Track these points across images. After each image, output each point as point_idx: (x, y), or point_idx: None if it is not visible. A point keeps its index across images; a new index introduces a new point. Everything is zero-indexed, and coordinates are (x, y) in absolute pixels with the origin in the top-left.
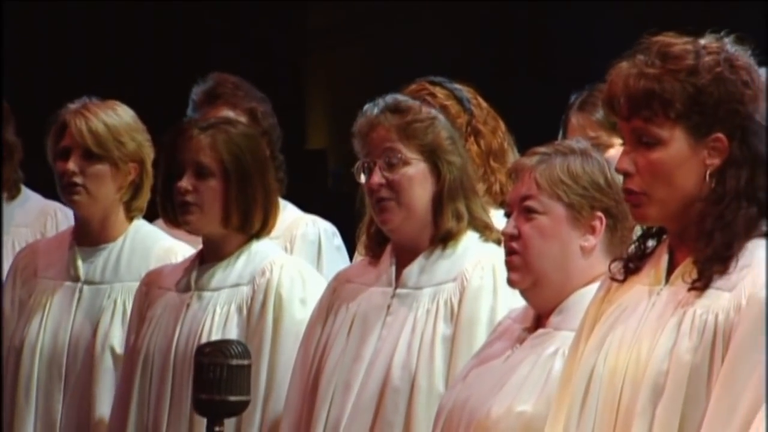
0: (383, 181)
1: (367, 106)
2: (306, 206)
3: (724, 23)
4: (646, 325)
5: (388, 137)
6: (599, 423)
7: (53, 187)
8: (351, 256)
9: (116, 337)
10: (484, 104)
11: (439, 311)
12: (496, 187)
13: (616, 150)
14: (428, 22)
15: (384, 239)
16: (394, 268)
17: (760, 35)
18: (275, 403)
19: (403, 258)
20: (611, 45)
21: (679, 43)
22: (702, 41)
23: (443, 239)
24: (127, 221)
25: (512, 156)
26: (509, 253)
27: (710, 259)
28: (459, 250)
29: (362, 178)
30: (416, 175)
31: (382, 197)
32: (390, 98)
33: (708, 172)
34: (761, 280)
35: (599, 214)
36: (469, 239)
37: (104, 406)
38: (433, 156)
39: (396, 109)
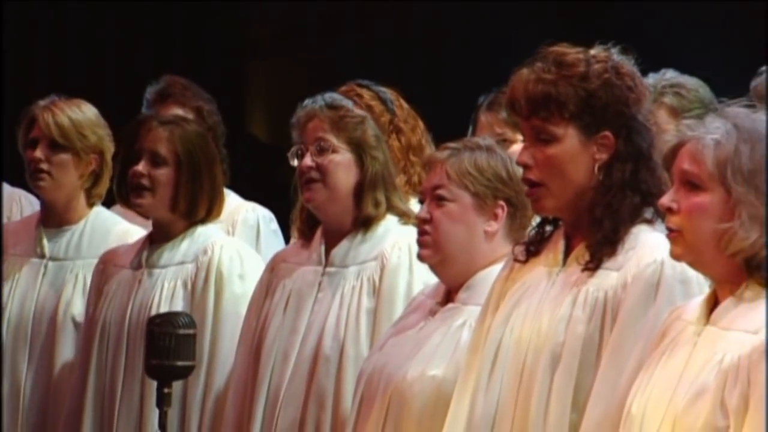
0: (313, 164)
1: (306, 101)
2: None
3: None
4: (546, 301)
5: (321, 127)
6: (505, 387)
7: (19, 176)
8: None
9: (77, 307)
10: (405, 105)
11: (363, 287)
12: (415, 179)
13: (518, 145)
14: (361, 32)
15: (315, 223)
16: (323, 249)
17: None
18: (217, 367)
19: (331, 240)
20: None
21: (572, 52)
22: (592, 51)
23: (364, 223)
24: (87, 206)
25: (429, 151)
26: (421, 234)
27: (600, 243)
28: (379, 232)
29: (295, 162)
30: (342, 162)
31: (311, 178)
32: (328, 95)
33: (597, 166)
34: (645, 261)
35: (501, 202)
36: (389, 223)
37: (65, 369)
38: (359, 149)
39: (331, 105)
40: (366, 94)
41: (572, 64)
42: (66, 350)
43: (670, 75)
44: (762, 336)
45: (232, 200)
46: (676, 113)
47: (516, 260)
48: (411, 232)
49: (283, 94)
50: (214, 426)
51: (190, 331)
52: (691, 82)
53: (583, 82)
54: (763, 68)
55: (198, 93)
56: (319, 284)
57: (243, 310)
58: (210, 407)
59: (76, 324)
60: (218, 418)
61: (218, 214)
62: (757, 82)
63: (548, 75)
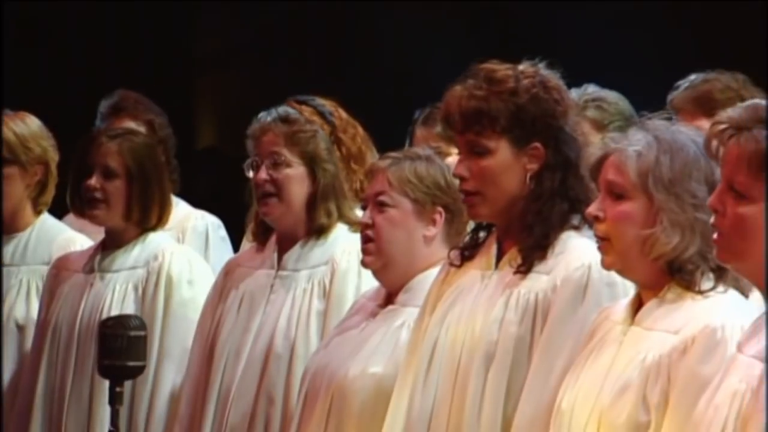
0: (268, 177)
1: (261, 114)
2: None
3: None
4: (480, 303)
5: (275, 142)
6: (442, 384)
7: None
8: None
9: (20, 311)
10: (344, 115)
11: (314, 290)
12: (357, 186)
13: (452, 158)
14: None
15: (268, 229)
16: (276, 254)
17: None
18: (166, 367)
19: (284, 245)
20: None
21: (501, 69)
22: (520, 67)
23: (317, 231)
24: (34, 214)
25: (371, 156)
26: (364, 240)
27: (531, 247)
28: (330, 239)
29: (250, 173)
30: (296, 176)
31: (266, 192)
32: (282, 109)
33: (528, 175)
34: (573, 265)
35: (440, 209)
36: (339, 230)
37: (9, 371)
38: (311, 162)
39: (285, 119)
40: (305, 109)
41: (502, 80)
42: (9, 352)
43: (591, 89)
44: (683, 335)
45: (182, 208)
46: (599, 125)
47: (451, 264)
48: (359, 239)
49: (228, 108)
50: (165, 423)
51: (141, 333)
52: (611, 95)
53: (513, 97)
54: (680, 82)
55: (149, 106)
56: (272, 287)
57: (191, 313)
58: (158, 405)
59: (19, 327)
60: (169, 415)
61: (167, 221)
62: (674, 96)
63: (480, 91)
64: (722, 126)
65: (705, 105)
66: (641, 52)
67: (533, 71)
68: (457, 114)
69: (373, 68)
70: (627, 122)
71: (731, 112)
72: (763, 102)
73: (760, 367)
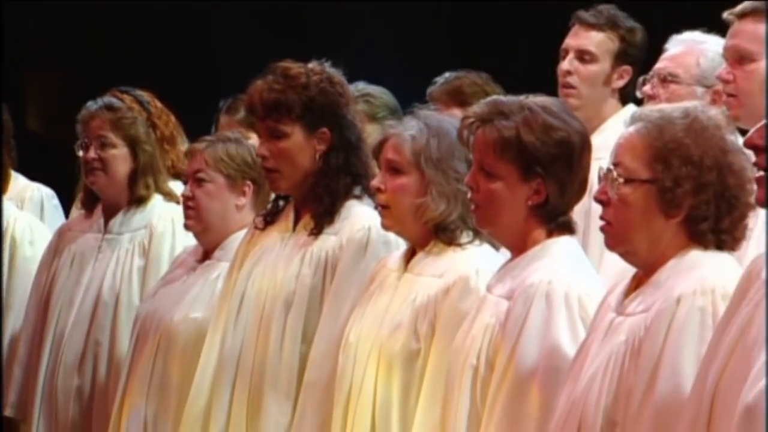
0: (96, 156)
1: (90, 102)
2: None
3: None
4: (280, 260)
5: (102, 126)
6: (249, 327)
7: None
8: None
9: None
10: (159, 104)
11: (135, 250)
12: (169, 163)
13: (253, 140)
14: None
15: (96, 198)
16: (102, 220)
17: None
18: (10, 315)
19: (109, 213)
20: None
21: (295, 67)
22: (310, 65)
23: (137, 201)
24: None
25: (180, 140)
26: (186, 209)
27: (321, 214)
28: (148, 207)
29: (80, 153)
30: (120, 155)
31: (94, 167)
32: (107, 99)
33: (318, 155)
34: (356, 227)
35: (248, 182)
36: (156, 200)
37: None
38: (132, 143)
39: (110, 107)
40: (126, 98)
41: (296, 76)
42: None
43: (360, 86)
44: (446, 279)
45: (20, 181)
46: (369, 117)
47: (256, 228)
48: (174, 207)
49: (55, 97)
50: (6, 362)
51: None
52: (377, 90)
53: (305, 90)
54: (436, 79)
55: None
56: (99, 247)
57: (32, 269)
58: (4, 347)
59: None
60: (10, 356)
61: (5, 191)
62: (432, 89)
63: (278, 85)
64: (470, 119)
65: (457, 97)
66: (406, 53)
67: (321, 69)
68: (259, 104)
69: (183, 63)
70: (391, 113)
71: (477, 108)
72: (502, 97)
73: (506, 304)
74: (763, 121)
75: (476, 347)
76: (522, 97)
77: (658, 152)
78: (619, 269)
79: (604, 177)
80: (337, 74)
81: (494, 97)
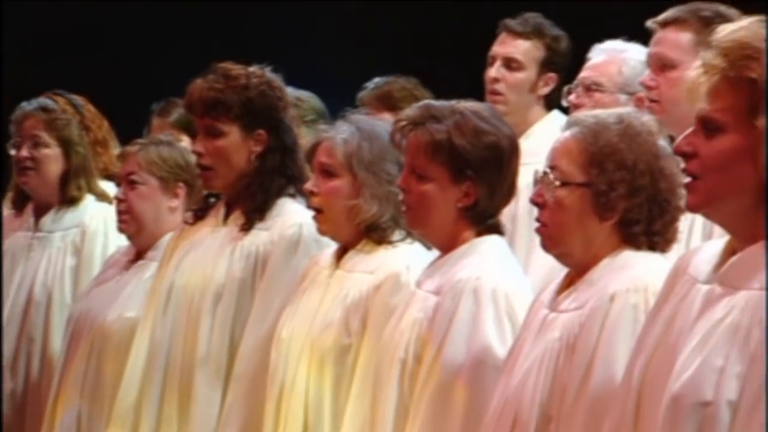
0: (29, 155)
1: (24, 103)
2: None
3: None
4: (210, 253)
5: (36, 126)
6: (178, 319)
7: None
8: None
9: None
10: (92, 109)
11: (68, 248)
12: (101, 166)
13: (185, 143)
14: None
15: (27, 197)
16: (33, 219)
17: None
18: None
19: (41, 211)
20: None
21: (236, 68)
22: (251, 68)
23: (69, 201)
24: None
25: (112, 143)
26: (119, 211)
27: (253, 210)
28: (80, 207)
29: (13, 151)
30: (52, 155)
31: (26, 166)
32: (42, 100)
33: (254, 156)
34: (288, 224)
35: (181, 184)
36: (88, 200)
37: None
38: (65, 144)
39: (44, 109)
40: (60, 100)
41: (236, 77)
42: None
43: (289, 90)
44: (377, 276)
45: None
46: (297, 121)
47: (186, 223)
48: (106, 208)
49: None
50: None
51: None
52: (305, 95)
53: (245, 92)
54: (367, 84)
55: None
56: (30, 246)
57: None
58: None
59: None
60: None
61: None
62: (362, 95)
63: (218, 85)
64: (403, 123)
65: (387, 102)
66: (337, 58)
67: (261, 72)
68: (198, 102)
69: (115, 67)
70: (319, 116)
71: (409, 111)
72: (434, 102)
73: (434, 300)
74: (691, 128)
75: (404, 341)
76: (453, 102)
77: (593, 156)
78: (545, 272)
79: (540, 180)
80: (276, 78)
81: (426, 101)
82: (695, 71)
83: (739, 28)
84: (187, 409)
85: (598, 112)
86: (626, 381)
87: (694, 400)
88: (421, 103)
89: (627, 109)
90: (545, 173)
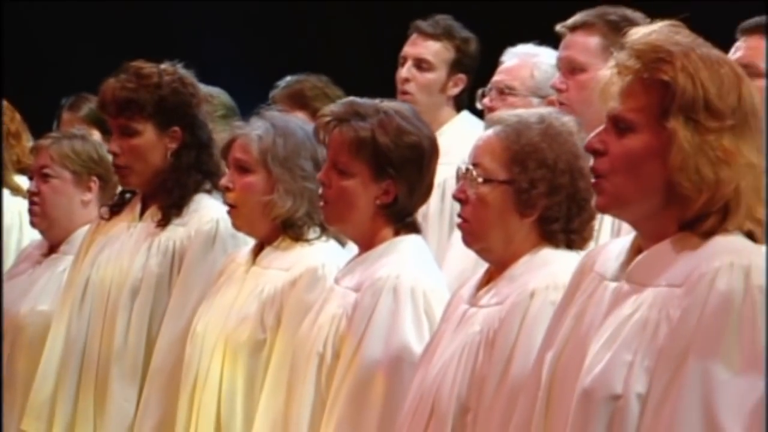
0: None
1: None
2: None
3: None
4: (127, 248)
5: None
6: (94, 313)
7: None
8: None
9: None
10: (4, 101)
11: None
12: (14, 159)
13: (96, 137)
14: None
15: None
16: None
17: None
18: None
19: None
20: None
21: (147, 66)
22: (162, 66)
23: None
24: None
25: (25, 137)
26: (31, 204)
27: (170, 206)
28: None
29: None
30: None
31: None
32: None
33: (169, 152)
34: (205, 219)
35: (94, 178)
36: (3, 194)
37: None
38: None
39: None
40: None
41: (148, 76)
42: None
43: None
44: (292, 272)
45: None
46: (209, 116)
47: (102, 218)
48: (20, 202)
49: None
50: None
51: None
52: (215, 91)
53: (158, 90)
54: (278, 82)
55: None
56: None
57: None
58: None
59: None
60: None
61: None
62: (274, 93)
63: (130, 84)
64: (327, 118)
65: (299, 100)
66: (247, 57)
67: (173, 70)
68: (112, 102)
69: (25, 61)
70: (229, 112)
71: (333, 108)
72: (358, 99)
73: (353, 296)
74: (602, 126)
75: (323, 336)
76: (377, 101)
77: (515, 155)
78: (458, 271)
79: (463, 176)
80: (188, 75)
81: (350, 98)
82: (608, 71)
83: (652, 31)
84: (103, 403)
85: (521, 111)
86: (535, 375)
87: (605, 394)
88: (345, 100)
89: (548, 109)
90: (468, 170)
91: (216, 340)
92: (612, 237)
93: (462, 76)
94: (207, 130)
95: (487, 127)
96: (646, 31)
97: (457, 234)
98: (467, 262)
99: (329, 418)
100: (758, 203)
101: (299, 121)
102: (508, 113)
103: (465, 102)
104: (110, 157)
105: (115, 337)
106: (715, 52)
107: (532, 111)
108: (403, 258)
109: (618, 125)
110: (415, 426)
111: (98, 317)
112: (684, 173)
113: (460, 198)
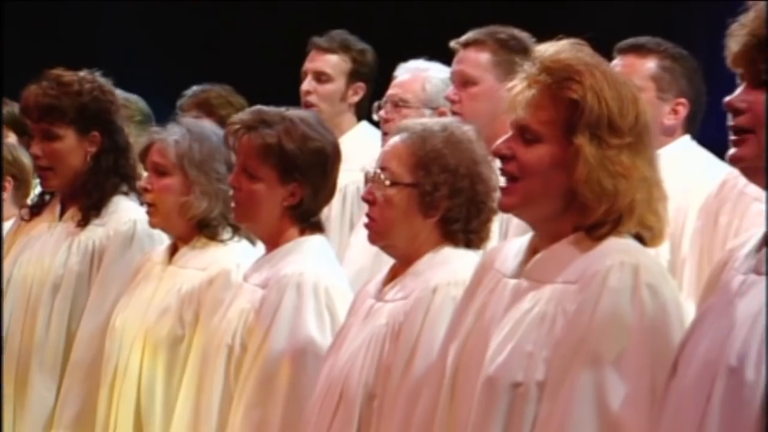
0: None
1: None
2: None
3: None
4: (48, 247)
5: None
6: (15, 310)
7: None
8: None
9: None
10: None
11: None
12: None
13: (11, 139)
14: None
15: None
16: None
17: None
18: None
19: None
20: None
21: (68, 74)
22: (81, 74)
23: None
24: None
25: None
26: None
27: (89, 207)
28: None
29: None
30: None
31: None
32: None
33: (89, 156)
34: (123, 220)
35: (8, 178)
36: None
37: None
38: None
39: None
40: None
41: (69, 83)
42: None
43: (117, 92)
44: (209, 271)
45: None
46: (126, 121)
47: (22, 219)
48: None
49: None
50: None
51: None
52: (132, 97)
53: (78, 97)
54: (185, 92)
55: None
56: None
57: None
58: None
59: None
60: None
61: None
62: (182, 101)
63: (52, 91)
64: (236, 126)
65: (205, 108)
66: (154, 67)
67: (92, 78)
68: (34, 107)
69: None
70: (145, 117)
71: (242, 116)
72: (265, 108)
73: (261, 292)
74: (509, 133)
75: (231, 329)
76: (283, 109)
77: (420, 160)
78: (357, 268)
79: (371, 179)
80: (107, 83)
81: (258, 107)
82: (518, 82)
83: (562, 49)
84: (24, 395)
85: (425, 120)
86: (439, 365)
87: (507, 382)
88: (253, 109)
89: (450, 119)
90: (376, 173)
91: (135, 334)
92: (500, 238)
93: (361, 84)
94: (125, 135)
95: (395, 134)
96: (556, 49)
97: (357, 234)
98: (365, 260)
99: (237, 406)
100: (649, 212)
101: (213, 126)
102: (413, 122)
103: (366, 109)
104: (25, 159)
105: (36, 331)
106: (616, 71)
107: (436, 120)
108: (307, 257)
109: (524, 134)
110: (325, 410)
111: (19, 312)
112: (588, 185)
113: (368, 199)
